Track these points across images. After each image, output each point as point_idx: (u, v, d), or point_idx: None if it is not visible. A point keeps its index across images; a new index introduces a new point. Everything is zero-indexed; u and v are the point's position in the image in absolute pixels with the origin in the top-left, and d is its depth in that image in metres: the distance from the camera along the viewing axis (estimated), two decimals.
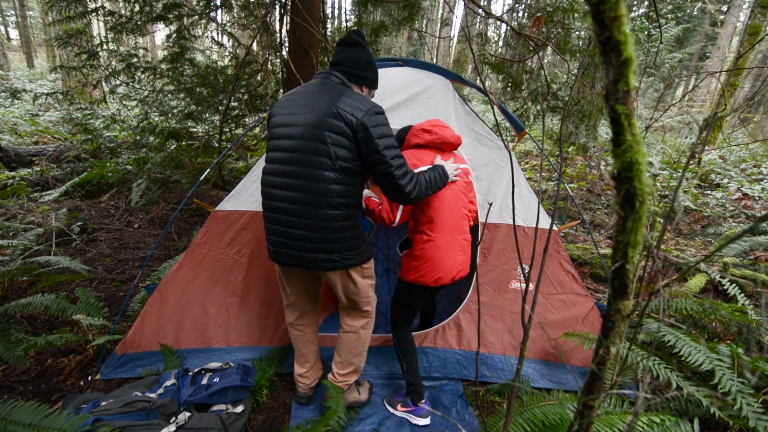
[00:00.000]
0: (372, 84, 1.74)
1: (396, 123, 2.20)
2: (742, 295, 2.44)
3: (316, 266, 1.61)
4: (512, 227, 2.30)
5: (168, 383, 1.83)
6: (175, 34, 3.90)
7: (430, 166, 1.76)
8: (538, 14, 3.74)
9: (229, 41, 4.77)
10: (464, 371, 2.23)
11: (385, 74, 2.35)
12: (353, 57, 1.66)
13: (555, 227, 2.35)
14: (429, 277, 1.81)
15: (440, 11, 14.11)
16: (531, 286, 2.14)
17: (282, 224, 1.59)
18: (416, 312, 1.98)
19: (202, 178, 2.25)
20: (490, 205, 1.64)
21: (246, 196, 2.18)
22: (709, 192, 5.31)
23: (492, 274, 2.32)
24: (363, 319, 1.88)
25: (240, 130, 4.64)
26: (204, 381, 1.85)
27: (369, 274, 1.80)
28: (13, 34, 23.67)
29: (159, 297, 2.10)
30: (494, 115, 1.31)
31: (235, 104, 4.32)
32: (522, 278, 2.31)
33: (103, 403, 1.62)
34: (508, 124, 2.46)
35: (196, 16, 3.94)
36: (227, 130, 4.45)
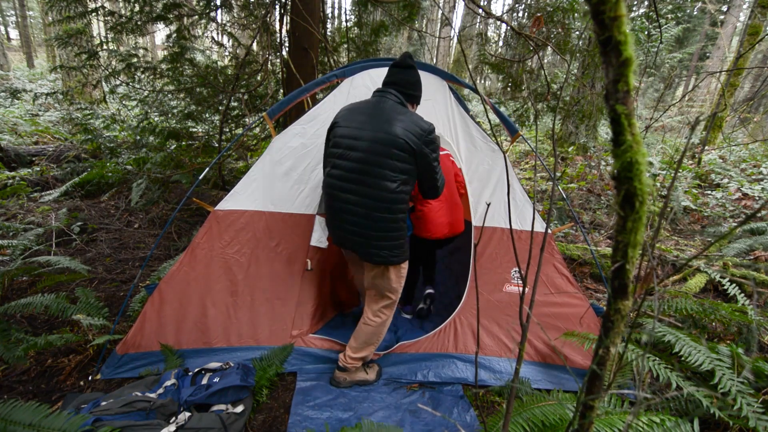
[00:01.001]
0: (419, 101, 2.02)
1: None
2: (742, 295, 2.44)
3: (366, 258, 1.91)
4: (504, 231, 2.31)
5: (168, 383, 1.83)
6: (175, 34, 3.90)
7: None
8: (538, 14, 3.74)
9: (229, 41, 4.77)
10: (462, 374, 2.21)
11: (383, 74, 2.36)
12: (408, 78, 1.91)
13: (549, 230, 2.36)
14: (424, 232, 2.48)
15: (440, 11, 14.10)
16: (527, 289, 2.14)
17: (345, 222, 1.86)
18: (419, 259, 2.77)
19: (201, 177, 2.24)
20: (488, 205, 1.65)
21: (245, 196, 2.18)
22: (709, 192, 5.31)
23: (486, 277, 2.32)
24: (385, 310, 2.09)
25: (240, 130, 4.64)
26: (204, 381, 1.85)
27: (403, 274, 2.04)
28: (13, 34, 23.68)
29: (159, 297, 2.10)
30: (488, 117, 1.31)
31: (235, 104, 4.32)
32: (517, 281, 2.32)
33: (103, 403, 1.62)
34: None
35: (196, 16, 3.95)
36: (227, 130, 4.45)
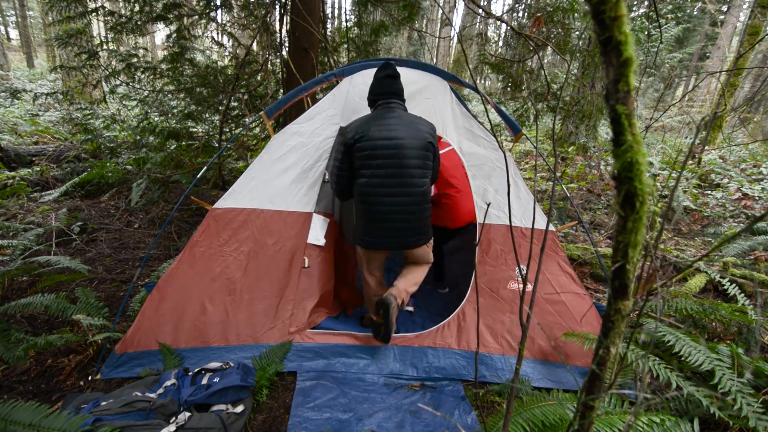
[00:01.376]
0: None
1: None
2: (742, 295, 2.44)
3: (414, 245, 2.21)
4: (510, 228, 2.31)
5: (168, 383, 1.83)
6: (175, 34, 3.90)
7: None
8: (538, 14, 3.74)
9: (229, 41, 4.77)
10: (463, 371, 2.22)
11: None
12: (400, 87, 2.14)
13: (552, 228, 2.36)
14: (450, 222, 2.70)
15: (440, 11, 14.09)
16: (529, 286, 2.14)
17: (391, 221, 2.10)
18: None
19: (198, 176, 2.24)
20: (488, 205, 1.65)
21: (244, 194, 2.18)
22: (709, 192, 5.31)
23: (490, 275, 2.32)
24: (426, 266, 2.41)
25: (240, 130, 4.63)
26: (204, 381, 1.85)
27: (431, 245, 2.38)
28: (13, 34, 23.66)
29: (158, 295, 2.09)
30: (488, 116, 1.32)
31: (235, 104, 4.32)
32: (520, 279, 2.32)
33: (103, 403, 1.62)
34: (505, 125, 2.47)
35: (196, 16, 3.95)
36: (227, 130, 4.45)
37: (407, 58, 2.47)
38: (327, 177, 2.34)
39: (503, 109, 2.35)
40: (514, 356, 2.26)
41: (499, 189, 2.34)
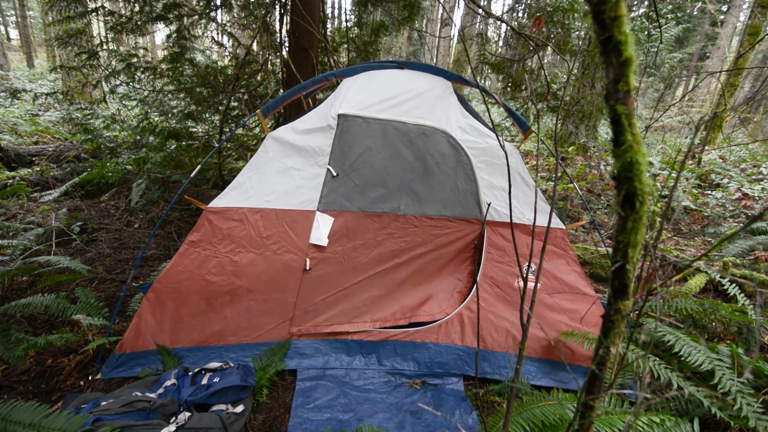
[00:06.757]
0: None
1: (400, 117, 2.29)
2: (742, 295, 2.44)
3: None
4: (518, 226, 2.30)
5: (168, 383, 1.83)
6: (175, 34, 3.90)
7: None
8: (538, 14, 3.74)
9: (229, 41, 4.77)
10: (465, 367, 2.23)
11: (386, 75, 2.35)
12: None
13: (563, 226, 2.35)
14: None
15: (440, 11, 14.09)
16: (531, 285, 2.14)
17: None
18: None
19: (192, 175, 2.23)
20: (489, 205, 1.64)
21: (239, 193, 2.16)
22: (709, 192, 5.31)
23: (498, 271, 2.32)
24: None
25: (240, 131, 4.64)
26: (204, 381, 1.85)
27: None
28: (13, 34, 23.66)
29: (154, 296, 2.08)
30: (489, 115, 1.32)
31: (235, 104, 4.31)
32: (529, 276, 2.31)
33: (103, 403, 1.62)
34: (509, 124, 2.47)
35: (196, 16, 3.95)
36: (227, 130, 4.45)
37: (406, 59, 2.47)
38: (335, 171, 2.29)
39: (510, 107, 2.35)
40: (516, 353, 2.26)
41: (507, 187, 2.33)
